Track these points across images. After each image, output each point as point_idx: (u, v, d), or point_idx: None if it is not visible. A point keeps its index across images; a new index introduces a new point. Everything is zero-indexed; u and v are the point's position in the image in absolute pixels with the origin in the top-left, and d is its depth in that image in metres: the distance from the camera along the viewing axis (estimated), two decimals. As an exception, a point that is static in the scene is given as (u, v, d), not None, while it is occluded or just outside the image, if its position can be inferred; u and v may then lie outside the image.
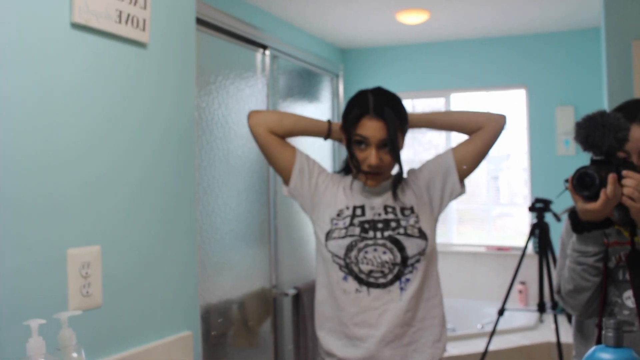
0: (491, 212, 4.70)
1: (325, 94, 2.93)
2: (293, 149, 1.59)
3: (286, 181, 1.59)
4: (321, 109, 2.88)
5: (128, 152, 1.32)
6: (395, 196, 1.50)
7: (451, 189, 1.52)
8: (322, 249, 1.53)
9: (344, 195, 1.55)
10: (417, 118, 1.56)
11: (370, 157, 1.45)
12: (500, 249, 4.38)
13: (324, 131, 1.59)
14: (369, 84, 5.02)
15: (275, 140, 1.56)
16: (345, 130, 1.51)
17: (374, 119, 1.44)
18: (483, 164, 4.99)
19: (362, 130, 1.45)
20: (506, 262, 4.29)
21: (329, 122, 1.59)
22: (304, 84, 2.73)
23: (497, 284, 4.31)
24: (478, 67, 4.45)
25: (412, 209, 1.50)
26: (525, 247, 3.23)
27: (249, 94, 2.29)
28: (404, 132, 1.52)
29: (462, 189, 1.54)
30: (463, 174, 1.53)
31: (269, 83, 2.40)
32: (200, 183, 1.97)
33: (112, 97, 1.28)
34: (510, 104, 4.49)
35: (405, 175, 1.59)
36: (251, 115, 1.59)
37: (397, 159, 1.45)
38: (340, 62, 4.64)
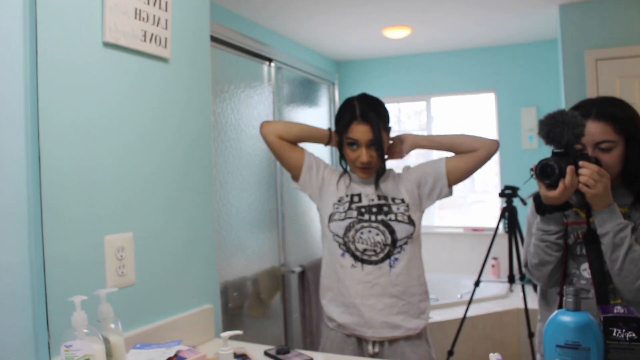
0: (467, 199, 4.70)
1: (323, 99, 2.92)
2: (302, 150, 1.60)
3: (295, 177, 1.61)
4: (320, 112, 2.87)
5: (156, 152, 1.32)
6: (377, 185, 1.51)
7: (439, 191, 1.54)
8: (325, 229, 1.55)
9: (344, 186, 1.57)
10: (422, 140, 1.57)
11: (362, 155, 1.48)
12: (475, 229, 4.40)
13: (325, 138, 1.60)
14: (361, 90, 5.00)
15: (284, 144, 1.58)
16: (338, 133, 1.53)
17: (361, 124, 1.47)
18: None
19: (353, 133, 1.48)
20: (481, 241, 4.30)
21: (330, 130, 1.60)
22: (305, 91, 2.73)
23: (473, 260, 4.33)
24: (454, 74, 4.44)
25: (402, 200, 1.51)
26: (497, 227, 3.24)
27: (257, 101, 2.28)
28: (387, 131, 1.54)
29: (450, 192, 1.55)
30: (452, 182, 1.55)
31: (274, 91, 2.39)
32: (217, 177, 1.97)
33: (141, 105, 1.28)
34: (482, 105, 4.48)
35: (400, 170, 1.61)
36: (263, 125, 1.60)
37: (381, 154, 1.47)
38: (335, 72, 4.63)
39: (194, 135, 1.42)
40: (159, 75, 1.33)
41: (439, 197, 1.54)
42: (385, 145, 1.50)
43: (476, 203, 4.73)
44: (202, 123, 1.44)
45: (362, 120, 1.46)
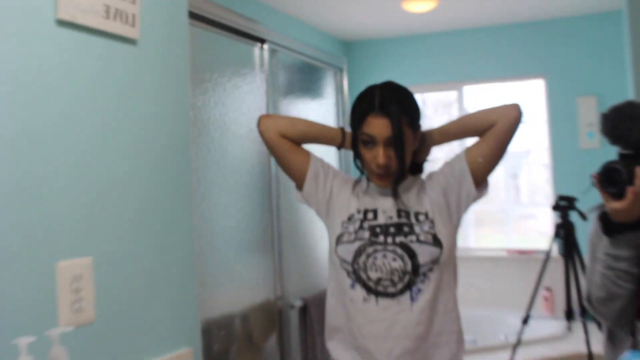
0: (511, 213, 4.69)
1: (329, 89, 2.93)
2: (307, 153, 1.59)
3: (299, 186, 1.60)
4: (325, 105, 2.88)
5: (121, 156, 1.32)
6: (395, 195, 1.50)
7: (467, 194, 1.51)
8: (332, 254, 1.54)
9: (356, 199, 1.55)
10: (432, 135, 1.57)
11: (378, 156, 1.45)
12: (522, 252, 4.36)
13: (338, 139, 1.59)
14: (375, 78, 5.02)
15: (287, 144, 1.57)
16: (352, 128, 1.52)
17: (379, 116, 1.45)
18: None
19: (368, 128, 1.46)
20: (529, 267, 4.27)
21: (342, 130, 1.59)
22: (306, 79, 2.74)
23: (520, 291, 4.29)
24: (492, 56, 4.44)
25: (426, 215, 1.49)
26: (550, 249, 3.22)
27: (246, 91, 2.29)
28: (414, 128, 1.51)
29: (478, 192, 1.52)
30: (479, 176, 1.52)
31: (268, 79, 2.41)
32: (197, 188, 1.97)
33: (102, 98, 1.28)
34: (528, 95, 4.48)
35: (423, 177, 1.60)
36: (261, 119, 1.60)
37: (400, 157, 1.45)
38: (343, 55, 4.64)
39: (169, 135, 1.43)
40: (126, 61, 1.33)
41: (468, 202, 1.52)
42: (408, 145, 1.48)
43: (523, 218, 4.72)
44: (179, 120, 1.45)
45: (380, 113, 1.45)
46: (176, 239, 1.43)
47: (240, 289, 2.22)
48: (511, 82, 4.51)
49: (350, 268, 1.48)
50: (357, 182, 1.58)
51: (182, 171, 1.46)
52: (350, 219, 1.52)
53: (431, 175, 1.59)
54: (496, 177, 4.66)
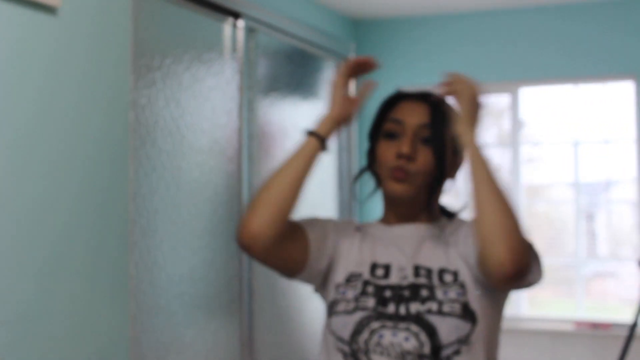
0: (582, 270, 4.69)
1: (328, 86, 2.96)
2: (301, 233, 1.58)
3: (300, 270, 1.61)
4: (322, 108, 2.90)
5: (36, 182, 1.34)
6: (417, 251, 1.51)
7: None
8: (325, 330, 1.54)
9: (358, 250, 1.56)
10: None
11: (402, 145, 1.48)
12: (596, 325, 4.37)
13: (315, 143, 1.58)
14: (393, 70, 5.03)
15: (283, 246, 1.56)
16: (373, 131, 1.55)
17: (414, 102, 1.50)
18: (571, 195, 4.88)
19: (397, 112, 1.50)
20: (606, 346, 4.27)
21: (310, 131, 1.58)
22: (296, 71, 2.76)
23: (593, 381, 4.27)
24: (559, 48, 4.48)
25: (455, 275, 1.51)
26: (635, 323, 3.22)
27: (211, 86, 2.31)
28: (455, 143, 1.54)
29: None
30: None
31: (242, 69, 2.42)
32: (137, 220, 1.98)
33: (15, 91, 1.31)
34: (611, 103, 4.51)
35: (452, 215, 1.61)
36: (242, 232, 1.56)
37: (440, 158, 1.46)
38: (350, 39, 4.68)
39: (99, 144, 1.44)
40: (42, 37, 1.36)
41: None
42: (447, 155, 1.51)
43: (599, 278, 4.72)
44: (113, 123, 1.46)
45: (417, 99, 1.49)
46: (104, 292, 1.43)
47: (192, 366, 2.22)
48: (588, 84, 4.54)
49: (347, 349, 1.49)
50: (360, 229, 1.59)
51: (116, 197, 1.47)
52: (349, 280, 1.52)
53: (460, 221, 1.60)
54: (562, 218, 4.68)
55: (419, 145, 1.50)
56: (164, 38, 2.13)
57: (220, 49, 2.36)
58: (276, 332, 2.56)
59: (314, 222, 1.63)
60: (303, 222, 1.61)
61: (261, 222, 1.51)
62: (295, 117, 2.74)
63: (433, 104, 1.48)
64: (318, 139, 1.58)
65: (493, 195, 1.50)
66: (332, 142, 2.94)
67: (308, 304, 2.67)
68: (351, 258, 1.56)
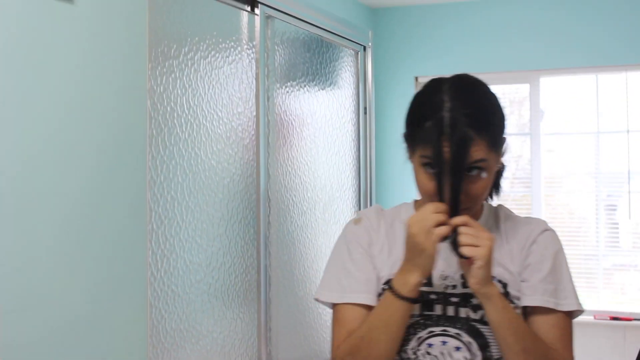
0: (603, 262, 4.67)
1: (346, 75, 2.96)
2: (366, 279, 1.57)
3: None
4: (340, 98, 2.90)
5: (48, 163, 1.36)
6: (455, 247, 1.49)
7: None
8: None
9: (388, 252, 1.56)
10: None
11: (442, 197, 1.45)
12: (616, 318, 4.35)
13: (408, 307, 1.54)
14: (410, 58, 5.01)
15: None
16: (409, 141, 1.52)
17: (448, 141, 1.45)
18: (591, 185, 4.86)
19: (429, 151, 1.46)
20: (626, 337, 4.25)
21: (391, 288, 1.53)
22: (313, 59, 2.76)
23: (614, 373, 4.25)
24: (581, 38, 4.45)
25: (505, 286, 1.50)
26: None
27: (228, 74, 2.32)
28: (498, 147, 1.52)
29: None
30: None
31: (259, 58, 2.43)
32: (154, 208, 1.99)
33: (27, 80, 1.32)
34: (633, 91, 4.46)
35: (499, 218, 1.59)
36: None
37: (477, 190, 1.44)
38: (368, 26, 4.68)
39: (116, 132, 1.45)
40: (60, 25, 1.37)
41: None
42: (491, 173, 1.49)
43: (620, 270, 4.69)
44: (131, 111, 1.47)
45: (450, 135, 1.45)
46: (123, 280, 1.45)
47: (209, 354, 2.22)
48: (608, 74, 4.50)
49: (397, 358, 1.49)
50: (391, 223, 1.58)
51: (133, 184, 1.48)
52: (384, 289, 1.52)
53: (522, 221, 1.58)
54: (583, 209, 4.65)
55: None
56: (180, 26, 2.14)
57: (237, 37, 2.37)
58: (293, 320, 2.57)
59: (362, 281, 1.58)
60: (366, 299, 1.56)
61: None
62: (312, 105, 2.74)
63: (466, 138, 1.44)
64: (410, 299, 1.51)
65: (521, 349, 1.43)
66: (350, 129, 2.97)
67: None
68: (384, 263, 1.56)
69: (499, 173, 1.61)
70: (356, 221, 1.61)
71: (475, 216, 1.55)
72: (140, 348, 1.50)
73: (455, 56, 4.63)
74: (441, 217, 1.39)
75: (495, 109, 1.53)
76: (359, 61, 3.01)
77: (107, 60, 1.47)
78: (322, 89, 2.81)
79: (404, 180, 4.13)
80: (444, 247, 1.51)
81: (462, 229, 1.36)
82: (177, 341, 2.10)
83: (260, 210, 2.43)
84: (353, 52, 2.98)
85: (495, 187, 1.64)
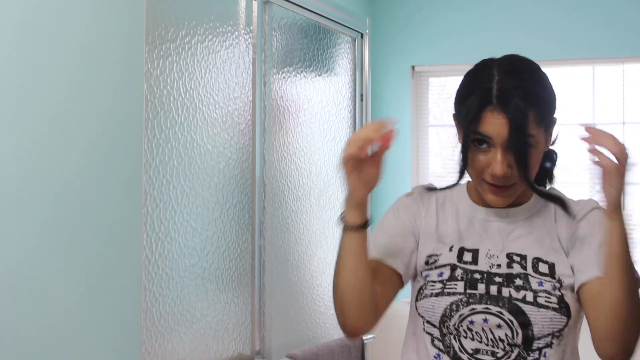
0: None
1: (343, 62, 2.96)
2: (390, 273, 1.56)
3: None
4: (336, 84, 2.91)
5: (44, 145, 1.36)
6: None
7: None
8: (412, 312, 1.56)
9: (436, 225, 1.58)
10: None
11: (495, 163, 1.45)
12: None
13: (354, 236, 1.52)
14: (408, 47, 4.99)
15: (385, 301, 1.57)
16: (459, 121, 1.53)
17: (498, 112, 1.45)
18: (587, 178, 4.83)
19: (483, 126, 1.46)
20: None
21: (344, 225, 1.53)
22: (311, 46, 2.77)
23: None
24: (582, 27, 4.43)
25: (552, 268, 1.51)
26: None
27: (225, 59, 2.32)
28: (547, 124, 1.52)
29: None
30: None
31: (256, 43, 2.44)
32: (149, 191, 2.00)
33: (20, 62, 1.33)
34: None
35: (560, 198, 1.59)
36: (346, 333, 1.56)
37: (523, 168, 1.44)
38: (366, 14, 4.66)
39: (112, 115, 1.45)
40: (54, 7, 1.37)
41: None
42: (537, 152, 1.49)
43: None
44: (127, 94, 1.47)
45: (499, 107, 1.45)
46: (117, 262, 1.45)
47: (202, 338, 2.23)
48: (610, 66, 4.49)
49: (437, 332, 1.50)
50: (441, 202, 1.60)
51: (129, 167, 1.49)
52: (430, 261, 1.54)
53: (581, 202, 1.58)
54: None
55: (510, 157, 1.46)
56: (178, 9, 2.14)
57: (234, 22, 2.37)
58: (287, 305, 2.58)
59: (391, 244, 1.59)
60: (384, 258, 1.57)
61: (356, 324, 1.51)
62: (308, 92, 2.74)
63: (513, 111, 1.44)
64: (353, 228, 1.53)
65: (624, 278, 1.40)
66: (346, 115, 2.96)
67: (320, 278, 2.69)
68: (429, 237, 1.57)
69: (552, 160, 1.62)
70: (408, 194, 1.64)
71: (525, 196, 1.56)
72: (133, 330, 1.51)
73: (451, 46, 4.61)
74: (369, 134, 1.35)
75: (546, 86, 1.54)
76: (356, 48, 3.02)
77: (104, 43, 1.47)
78: (319, 75, 2.81)
79: (398, 168, 4.14)
80: (491, 227, 1.52)
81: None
82: (171, 324, 2.11)
83: (256, 195, 2.44)
84: (350, 39, 2.98)
85: (549, 175, 1.65)
